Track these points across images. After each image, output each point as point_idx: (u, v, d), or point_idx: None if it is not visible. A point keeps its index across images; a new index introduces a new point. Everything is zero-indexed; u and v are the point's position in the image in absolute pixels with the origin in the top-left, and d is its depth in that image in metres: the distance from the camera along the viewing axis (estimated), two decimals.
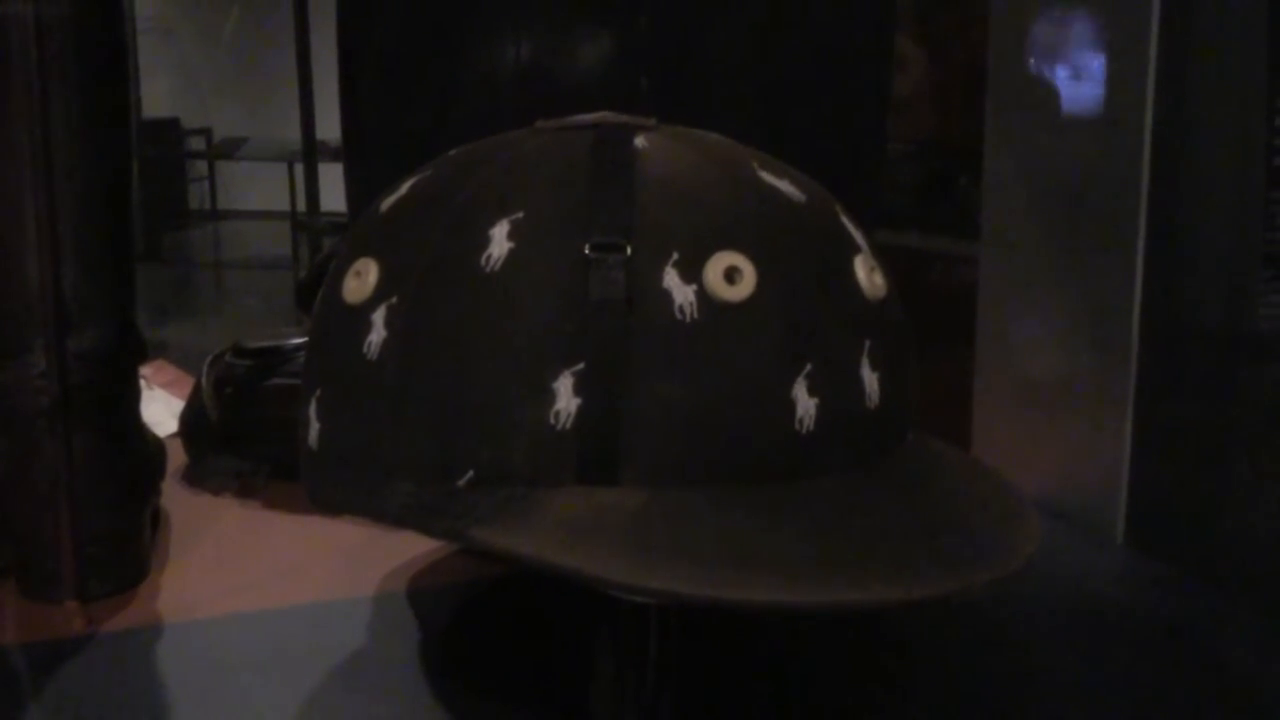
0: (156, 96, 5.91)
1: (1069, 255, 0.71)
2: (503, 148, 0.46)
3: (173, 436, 0.76)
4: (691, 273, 0.40)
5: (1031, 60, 0.73)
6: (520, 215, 0.42)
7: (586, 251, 0.40)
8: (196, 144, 6.50)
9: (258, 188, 6.39)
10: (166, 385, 0.97)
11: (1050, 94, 0.72)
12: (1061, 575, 0.61)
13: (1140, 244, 0.66)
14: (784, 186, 0.45)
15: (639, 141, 0.44)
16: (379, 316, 0.42)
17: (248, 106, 6.28)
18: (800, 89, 0.82)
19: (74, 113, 0.54)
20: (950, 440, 0.50)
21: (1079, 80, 0.70)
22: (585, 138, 0.45)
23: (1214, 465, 0.67)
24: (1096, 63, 0.69)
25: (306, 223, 4.28)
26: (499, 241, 0.41)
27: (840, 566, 0.38)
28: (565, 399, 0.39)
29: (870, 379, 0.43)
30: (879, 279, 0.45)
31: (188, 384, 0.79)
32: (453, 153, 0.48)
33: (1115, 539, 0.68)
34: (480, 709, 0.48)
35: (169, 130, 6.07)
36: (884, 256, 0.47)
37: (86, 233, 0.55)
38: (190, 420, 0.76)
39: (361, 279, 0.44)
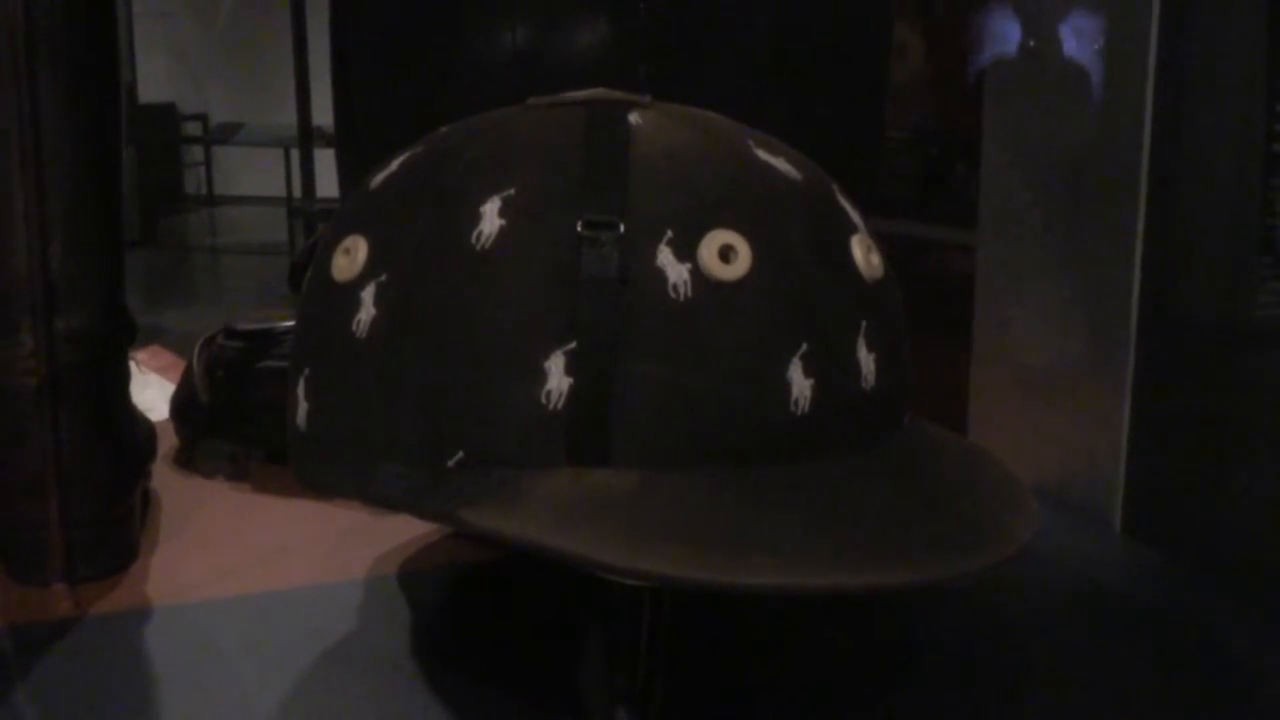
0: (153, 81, 5.91)
1: (1067, 243, 0.70)
2: (494, 124, 0.45)
3: (165, 420, 0.76)
4: (686, 251, 0.40)
5: (1030, 46, 0.73)
6: (512, 192, 0.41)
7: (579, 229, 0.40)
8: (193, 129, 6.49)
9: (254, 173, 6.39)
10: (161, 370, 0.96)
11: (1048, 81, 0.71)
12: (1059, 563, 0.61)
13: (1139, 231, 0.66)
14: (780, 165, 0.44)
15: (633, 118, 0.44)
16: (368, 294, 0.42)
17: (244, 92, 6.27)
18: (799, 74, 0.81)
19: (62, 92, 0.53)
20: (948, 429, 0.49)
21: (1078, 67, 0.69)
22: (578, 114, 0.44)
23: (1212, 453, 0.67)
24: (1095, 50, 0.68)
25: (302, 208, 4.29)
26: (490, 219, 0.41)
27: (835, 550, 0.37)
28: (556, 379, 0.39)
29: (867, 360, 0.42)
30: (876, 259, 0.44)
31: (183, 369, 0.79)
32: (444, 129, 0.47)
33: (1113, 527, 0.67)
34: (471, 692, 0.48)
35: (165, 115, 6.07)
36: (881, 242, 0.46)
37: (75, 213, 0.55)
38: (181, 403, 0.75)
39: (350, 256, 0.43)
